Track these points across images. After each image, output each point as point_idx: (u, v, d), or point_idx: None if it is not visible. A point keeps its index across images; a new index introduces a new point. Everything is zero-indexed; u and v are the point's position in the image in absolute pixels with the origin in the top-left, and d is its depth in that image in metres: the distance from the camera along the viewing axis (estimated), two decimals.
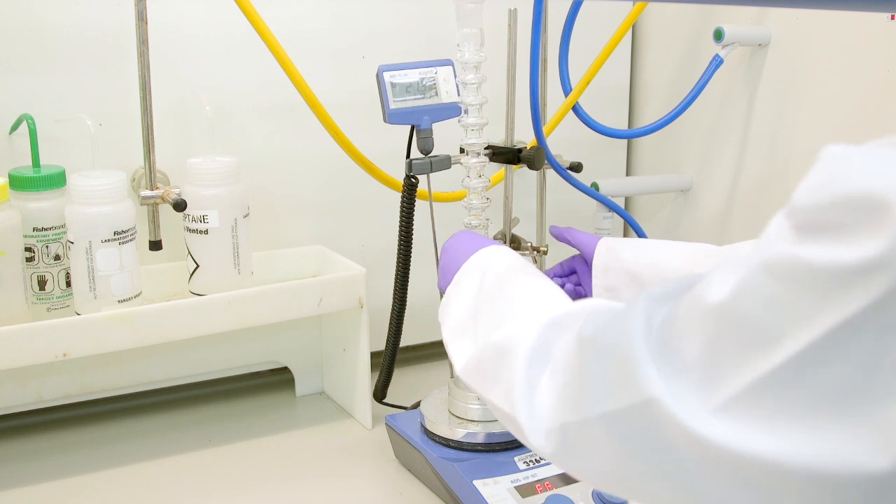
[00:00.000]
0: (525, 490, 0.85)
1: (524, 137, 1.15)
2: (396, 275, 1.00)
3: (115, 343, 0.93)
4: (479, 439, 0.91)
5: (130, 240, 0.96)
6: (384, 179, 1.07)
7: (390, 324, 1.02)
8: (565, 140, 1.22)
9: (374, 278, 1.09)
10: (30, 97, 1.00)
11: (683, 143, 1.30)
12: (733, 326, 0.43)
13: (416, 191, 0.96)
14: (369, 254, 1.20)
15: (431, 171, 0.93)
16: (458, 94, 0.93)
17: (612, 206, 1.21)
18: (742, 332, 0.42)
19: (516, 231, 1.04)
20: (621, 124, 1.36)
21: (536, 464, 0.88)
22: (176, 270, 1.06)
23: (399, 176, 0.98)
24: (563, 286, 0.95)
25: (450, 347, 0.72)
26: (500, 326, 0.64)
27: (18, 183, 0.95)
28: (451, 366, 0.97)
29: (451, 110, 0.93)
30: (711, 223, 1.26)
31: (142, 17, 0.93)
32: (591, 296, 0.92)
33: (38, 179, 0.95)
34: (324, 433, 1.07)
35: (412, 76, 0.92)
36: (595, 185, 1.23)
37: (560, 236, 0.98)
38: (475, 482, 0.85)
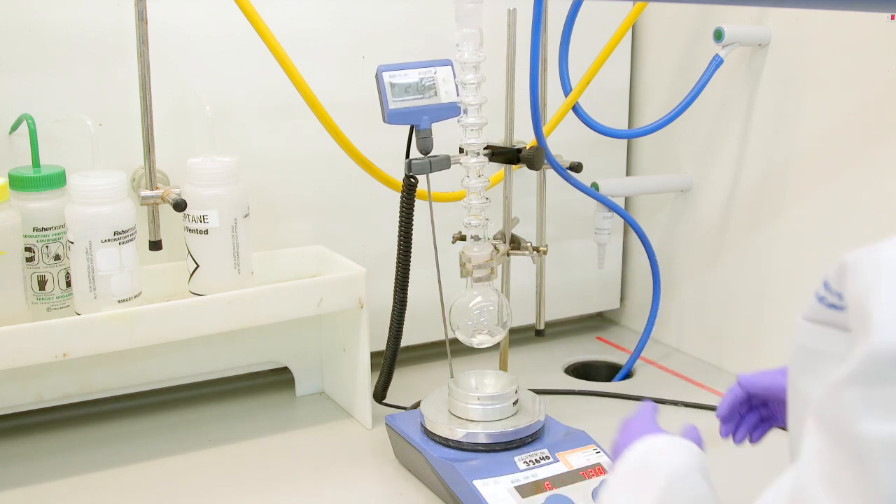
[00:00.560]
0: (525, 490, 0.85)
1: (524, 137, 1.15)
2: (396, 275, 1.00)
3: (115, 343, 0.93)
4: (479, 439, 0.91)
5: (130, 240, 0.96)
6: (384, 179, 1.07)
7: (390, 324, 1.02)
8: (565, 140, 1.22)
9: (374, 278, 1.09)
10: (30, 97, 1.00)
11: (683, 143, 1.30)
12: None
13: (415, 191, 0.96)
14: (369, 254, 1.20)
15: (431, 171, 0.93)
16: (458, 94, 0.93)
17: (612, 206, 1.21)
18: None
19: (516, 231, 1.04)
20: (621, 124, 1.36)
21: (536, 464, 0.88)
22: (176, 270, 1.06)
23: (399, 176, 0.98)
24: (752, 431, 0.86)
25: None
26: None
27: (18, 183, 0.95)
28: (450, 366, 0.97)
29: (451, 110, 0.93)
30: (711, 223, 1.26)
31: (142, 17, 0.93)
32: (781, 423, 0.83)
33: (38, 179, 0.95)
34: (324, 433, 1.07)
35: (411, 76, 0.92)
36: (595, 185, 1.23)
37: (752, 385, 0.84)
38: (475, 482, 0.85)
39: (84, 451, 1.03)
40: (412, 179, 0.95)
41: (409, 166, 0.93)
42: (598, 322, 1.48)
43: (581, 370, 1.31)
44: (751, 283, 1.21)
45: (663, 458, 0.66)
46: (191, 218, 1.01)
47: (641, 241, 1.23)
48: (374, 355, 1.07)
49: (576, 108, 1.16)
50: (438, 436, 0.93)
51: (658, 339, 1.36)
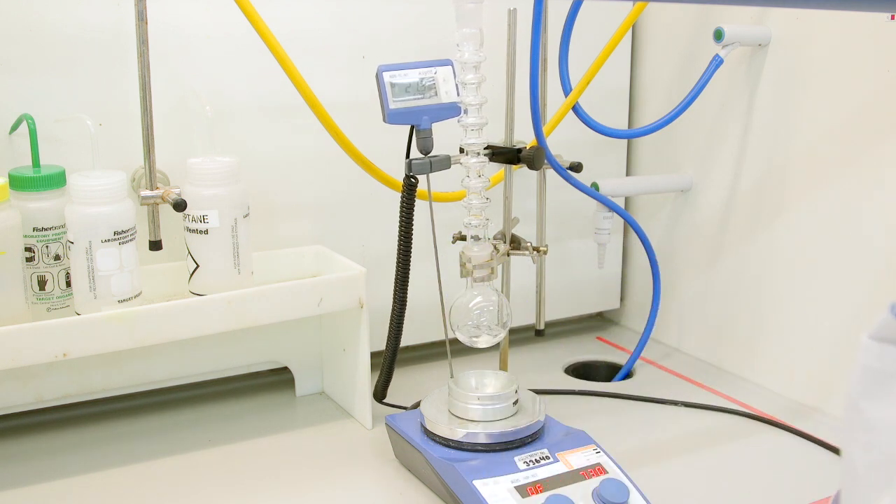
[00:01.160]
0: (525, 490, 0.85)
1: (524, 137, 1.15)
2: (396, 275, 1.00)
3: (115, 343, 0.93)
4: (479, 439, 0.91)
5: (130, 240, 0.96)
6: (384, 179, 1.07)
7: (390, 324, 1.02)
8: (565, 140, 1.22)
9: (374, 278, 1.09)
10: (30, 97, 1.00)
11: (683, 143, 1.30)
12: None
13: (415, 191, 0.96)
14: (369, 254, 1.20)
15: (431, 171, 0.93)
16: (458, 94, 0.93)
17: (612, 206, 1.21)
18: None
19: (516, 231, 1.04)
20: (621, 124, 1.36)
21: (536, 464, 0.88)
22: (176, 270, 1.06)
23: (399, 176, 0.98)
24: None
25: None
26: None
27: (18, 183, 0.95)
28: (450, 366, 0.97)
29: (451, 110, 0.93)
30: (711, 223, 1.26)
31: (142, 17, 0.93)
32: None
33: (38, 179, 0.95)
34: (324, 433, 1.07)
35: (412, 76, 0.92)
36: (595, 185, 1.23)
37: None
38: (475, 482, 0.85)
39: (84, 451, 1.03)
40: (412, 179, 0.95)
41: (409, 166, 0.93)
42: (598, 322, 1.48)
43: (581, 370, 1.31)
44: (751, 283, 1.21)
45: None
46: (191, 218, 1.01)
47: (641, 241, 1.23)
48: (374, 355, 1.07)
49: (576, 108, 1.16)
50: (438, 436, 0.93)
51: (658, 339, 1.36)
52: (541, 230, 1.11)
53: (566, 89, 1.17)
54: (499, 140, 1.02)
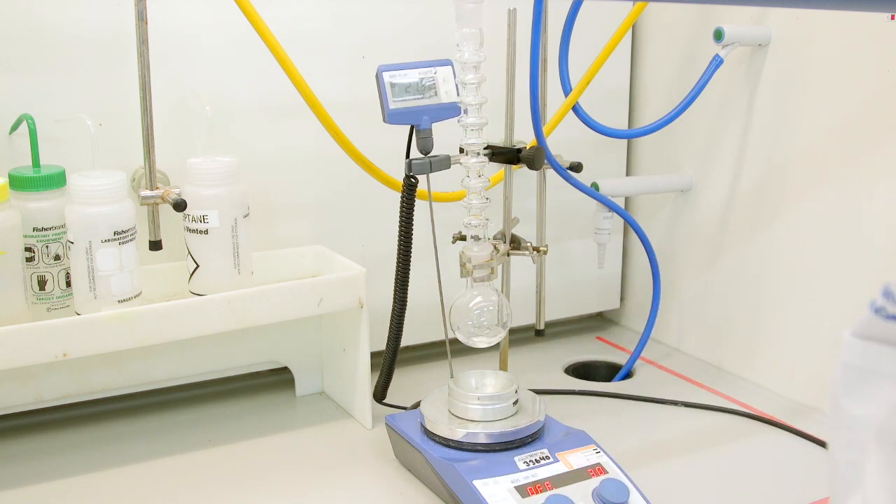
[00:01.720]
0: (525, 490, 0.85)
1: (524, 137, 1.15)
2: (396, 275, 1.00)
3: (115, 343, 0.93)
4: (479, 439, 0.91)
5: (130, 240, 0.96)
6: (384, 179, 1.07)
7: (390, 324, 1.02)
8: (565, 140, 1.22)
9: (374, 278, 1.09)
10: (30, 97, 1.00)
11: (683, 143, 1.30)
12: None
13: (415, 191, 0.96)
14: (369, 254, 1.20)
15: (431, 171, 0.93)
16: (458, 94, 0.93)
17: (612, 206, 1.21)
18: None
19: (516, 231, 1.04)
20: (621, 124, 1.36)
21: (536, 464, 0.88)
22: (176, 270, 1.06)
23: (399, 176, 0.98)
24: None
25: None
26: None
27: (18, 183, 0.95)
28: (450, 366, 0.97)
29: (451, 110, 0.93)
30: (711, 223, 1.26)
31: (142, 17, 0.93)
32: None
33: (38, 179, 0.95)
34: (324, 433, 1.07)
35: (412, 76, 0.92)
36: (595, 185, 1.23)
37: None
38: (475, 482, 0.85)
39: (84, 451, 1.03)
40: (412, 179, 0.95)
41: (409, 166, 0.93)
42: (598, 322, 1.48)
43: (581, 370, 1.31)
44: (751, 283, 1.21)
45: None
46: (191, 218, 1.01)
47: (641, 241, 1.23)
48: (374, 355, 1.07)
49: (576, 108, 1.16)
50: (438, 436, 0.93)
51: (658, 339, 1.36)
52: (541, 230, 1.11)
53: (566, 89, 1.17)
54: (499, 140, 1.02)
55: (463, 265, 0.95)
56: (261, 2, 0.97)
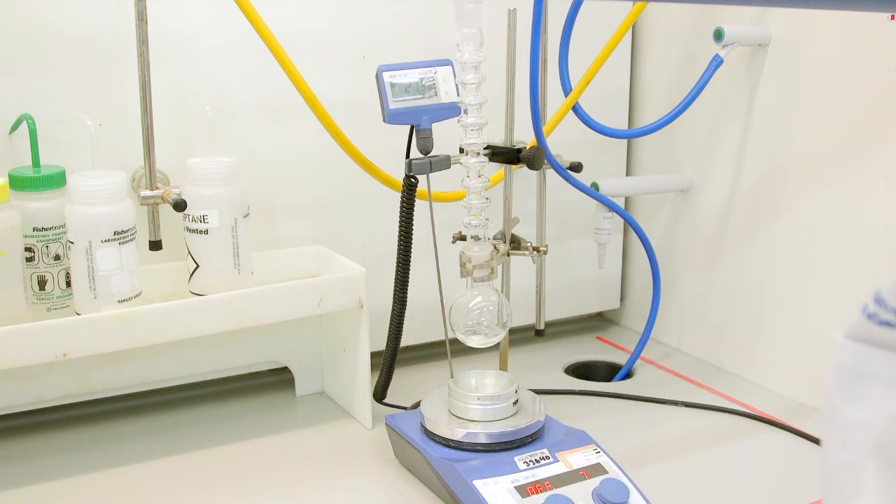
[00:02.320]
0: (525, 490, 0.85)
1: (524, 137, 1.15)
2: (396, 275, 1.00)
3: (115, 343, 0.93)
4: (479, 439, 0.91)
5: (130, 240, 0.96)
6: (384, 179, 1.07)
7: (390, 324, 1.02)
8: (565, 140, 1.22)
9: (374, 278, 1.09)
10: (30, 97, 1.00)
11: (683, 143, 1.30)
12: None
13: (415, 191, 0.96)
14: (369, 254, 1.20)
15: (431, 171, 0.93)
16: (458, 94, 0.93)
17: (612, 206, 1.21)
18: None
19: (516, 231, 1.04)
20: (621, 124, 1.36)
21: (536, 464, 0.88)
22: (176, 270, 1.06)
23: (399, 176, 0.98)
24: None
25: None
26: None
27: (18, 183, 0.95)
28: (451, 366, 0.97)
29: (451, 110, 0.93)
30: (711, 223, 1.26)
31: (142, 17, 0.93)
32: None
33: (38, 179, 0.95)
34: (324, 433, 1.07)
35: (412, 76, 0.92)
36: (595, 185, 1.23)
37: None
38: (475, 482, 0.85)
39: (84, 451, 1.03)
40: (412, 179, 0.95)
41: (409, 166, 0.93)
42: (598, 322, 1.48)
43: (581, 370, 1.31)
44: (751, 283, 1.21)
45: None
46: (191, 218, 1.01)
47: (641, 241, 1.23)
48: (374, 355, 1.07)
49: (576, 108, 1.16)
50: (438, 436, 0.93)
51: (658, 339, 1.36)
52: (541, 230, 1.11)
53: (566, 89, 1.17)
54: (499, 140, 1.02)
55: (463, 265, 0.95)
56: (261, 2, 0.97)
